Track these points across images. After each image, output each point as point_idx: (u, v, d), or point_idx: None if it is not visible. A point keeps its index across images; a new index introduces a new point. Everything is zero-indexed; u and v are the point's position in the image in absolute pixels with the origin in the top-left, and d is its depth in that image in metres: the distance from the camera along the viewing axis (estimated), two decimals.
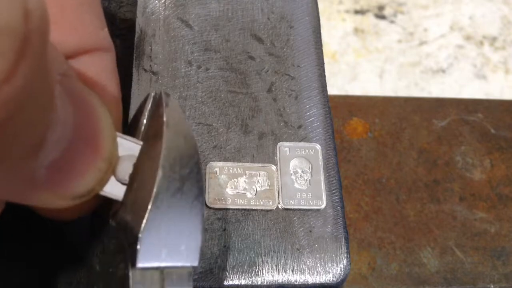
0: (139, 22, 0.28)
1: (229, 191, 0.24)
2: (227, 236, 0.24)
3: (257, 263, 0.23)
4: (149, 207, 0.16)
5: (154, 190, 0.17)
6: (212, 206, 0.24)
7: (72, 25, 0.19)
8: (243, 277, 0.23)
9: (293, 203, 0.24)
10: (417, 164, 0.38)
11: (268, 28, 0.29)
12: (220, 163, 0.25)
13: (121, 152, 0.18)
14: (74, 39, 0.19)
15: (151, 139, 0.18)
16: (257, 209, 0.24)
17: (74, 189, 0.17)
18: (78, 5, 0.20)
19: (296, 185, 0.25)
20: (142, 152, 0.19)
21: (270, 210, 0.24)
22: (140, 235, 0.16)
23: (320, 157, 0.26)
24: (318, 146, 0.26)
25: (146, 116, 0.20)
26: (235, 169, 0.25)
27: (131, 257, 0.17)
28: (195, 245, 0.17)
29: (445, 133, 0.39)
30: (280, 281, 0.23)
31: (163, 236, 0.17)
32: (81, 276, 0.22)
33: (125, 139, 0.19)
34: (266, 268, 0.23)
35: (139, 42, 0.27)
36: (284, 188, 0.25)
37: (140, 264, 0.16)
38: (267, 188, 0.25)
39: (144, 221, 0.16)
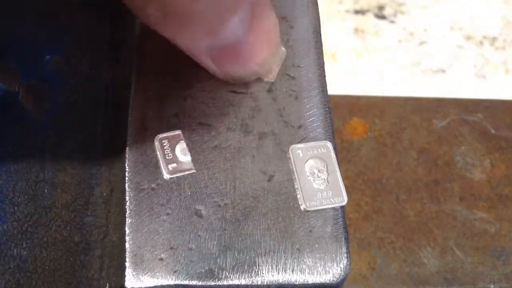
0: (139, 22, 0.28)
1: None
2: (227, 236, 0.24)
3: (257, 263, 0.23)
4: None
5: None
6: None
7: None
8: (243, 277, 0.23)
9: (315, 204, 0.24)
10: (417, 164, 0.38)
11: None
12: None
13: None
14: None
15: None
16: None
17: (237, 70, 0.25)
18: None
19: (315, 186, 0.25)
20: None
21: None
22: None
23: (333, 154, 0.26)
24: (329, 144, 0.26)
25: None
26: None
27: None
28: None
29: (445, 133, 0.39)
30: (280, 281, 0.23)
31: None
32: (93, 275, 0.22)
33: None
34: (266, 268, 0.23)
35: (139, 42, 0.27)
36: (304, 190, 0.25)
37: None
38: None
39: None
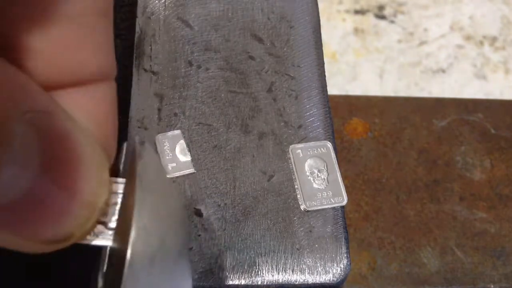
0: (139, 22, 0.28)
1: None
2: (227, 236, 0.24)
3: (257, 263, 0.23)
4: (125, 271, 0.15)
5: (128, 255, 0.15)
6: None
7: (92, 46, 0.18)
8: (243, 277, 0.23)
9: (315, 204, 0.24)
10: (417, 164, 0.38)
11: (268, 28, 0.29)
12: None
13: (112, 195, 0.17)
14: (90, 61, 0.18)
15: (130, 186, 0.17)
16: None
17: (45, 234, 0.15)
18: (106, 26, 0.18)
19: (315, 185, 0.25)
20: (124, 193, 0.17)
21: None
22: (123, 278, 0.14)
23: (333, 154, 0.26)
24: (329, 144, 0.26)
25: (122, 164, 0.18)
26: None
27: None
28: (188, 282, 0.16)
29: (445, 133, 0.39)
30: (280, 281, 0.23)
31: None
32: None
33: (115, 180, 0.17)
34: (266, 268, 0.23)
35: (139, 42, 0.27)
36: (304, 190, 0.25)
37: None
38: None
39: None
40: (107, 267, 0.17)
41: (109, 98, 0.19)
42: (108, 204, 0.16)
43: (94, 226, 0.16)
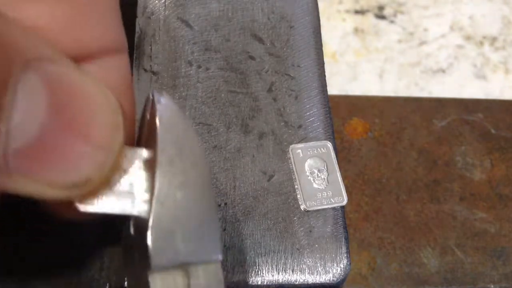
0: (139, 22, 0.28)
1: None
2: (227, 236, 0.24)
3: (257, 263, 0.23)
4: (153, 204, 0.16)
5: (156, 186, 0.16)
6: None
7: (98, 20, 0.18)
8: (243, 277, 0.23)
9: (315, 204, 0.24)
10: (417, 164, 0.38)
11: (268, 28, 0.29)
12: None
13: (134, 162, 0.17)
14: (98, 35, 0.18)
15: (152, 141, 0.18)
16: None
17: (62, 177, 0.15)
18: (109, 2, 0.19)
19: (315, 185, 0.25)
20: (147, 158, 0.18)
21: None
22: (148, 233, 0.16)
23: (333, 153, 0.26)
24: (329, 144, 0.26)
25: (147, 121, 0.19)
26: None
27: (148, 260, 0.16)
28: (215, 236, 0.16)
29: (445, 133, 0.39)
30: (280, 281, 0.23)
31: (176, 231, 0.16)
32: (93, 275, 0.22)
33: (135, 149, 0.18)
34: (266, 268, 0.23)
35: (139, 42, 0.27)
36: (304, 190, 0.25)
37: (155, 263, 0.15)
38: None
39: (151, 219, 0.16)
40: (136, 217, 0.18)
41: (122, 70, 0.19)
42: (127, 159, 0.17)
43: (113, 172, 0.17)
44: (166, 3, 0.28)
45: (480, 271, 0.34)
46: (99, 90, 0.16)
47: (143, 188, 0.17)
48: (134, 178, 0.17)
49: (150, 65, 0.27)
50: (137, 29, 0.28)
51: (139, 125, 0.20)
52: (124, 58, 0.20)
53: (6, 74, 0.14)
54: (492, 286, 0.34)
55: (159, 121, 0.17)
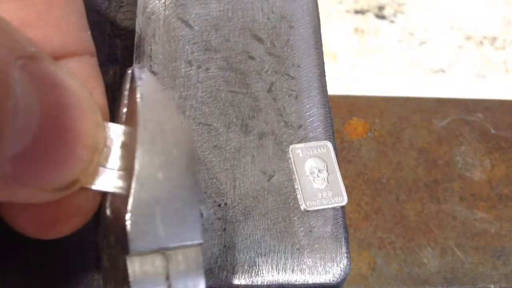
0: (139, 22, 0.28)
1: None
2: (227, 236, 0.24)
3: (257, 263, 0.23)
4: (133, 185, 0.15)
5: (136, 167, 0.15)
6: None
7: (58, 23, 0.18)
8: (243, 277, 0.23)
9: (315, 204, 0.24)
10: (417, 164, 0.38)
11: (268, 28, 0.29)
12: None
13: (112, 139, 0.17)
14: (59, 38, 0.18)
15: (131, 118, 0.17)
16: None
17: (53, 180, 0.15)
18: (66, 3, 0.18)
19: (315, 185, 0.25)
20: (126, 135, 0.17)
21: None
22: (127, 216, 0.15)
23: (333, 154, 0.26)
24: (329, 144, 0.26)
25: (126, 97, 0.18)
26: None
27: (126, 244, 0.15)
28: (195, 219, 0.16)
29: (445, 133, 0.39)
30: (280, 281, 0.23)
31: (156, 214, 0.15)
32: (93, 275, 0.22)
33: (113, 126, 0.17)
34: (266, 268, 0.23)
35: (139, 42, 0.27)
36: (304, 190, 0.25)
37: (133, 247, 0.15)
38: None
39: (130, 201, 0.15)
40: (112, 197, 0.17)
41: (96, 71, 0.19)
42: (107, 147, 0.17)
43: (96, 170, 0.16)
44: (166, 3, 0.28)
45: (480, 271, 0.34)
46: (80, 88, 0.16)
47: (122, 166, 0.16)
48: (112, 156, 0.17)
49: (150, 65, 0.27)
50: (137, 29, 0.28)
51: (116, 102, 0.20)
52: (88, 60, 0.19)
53: (5, 75, 0.14)
54: (492, 286, 0.34)
55: (140, 98, 0.16)
